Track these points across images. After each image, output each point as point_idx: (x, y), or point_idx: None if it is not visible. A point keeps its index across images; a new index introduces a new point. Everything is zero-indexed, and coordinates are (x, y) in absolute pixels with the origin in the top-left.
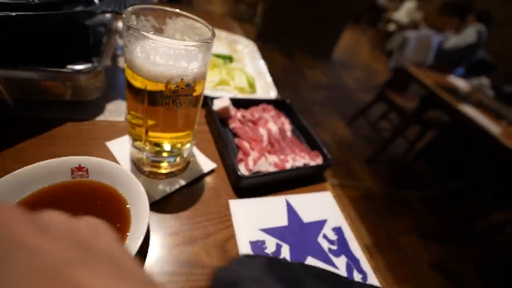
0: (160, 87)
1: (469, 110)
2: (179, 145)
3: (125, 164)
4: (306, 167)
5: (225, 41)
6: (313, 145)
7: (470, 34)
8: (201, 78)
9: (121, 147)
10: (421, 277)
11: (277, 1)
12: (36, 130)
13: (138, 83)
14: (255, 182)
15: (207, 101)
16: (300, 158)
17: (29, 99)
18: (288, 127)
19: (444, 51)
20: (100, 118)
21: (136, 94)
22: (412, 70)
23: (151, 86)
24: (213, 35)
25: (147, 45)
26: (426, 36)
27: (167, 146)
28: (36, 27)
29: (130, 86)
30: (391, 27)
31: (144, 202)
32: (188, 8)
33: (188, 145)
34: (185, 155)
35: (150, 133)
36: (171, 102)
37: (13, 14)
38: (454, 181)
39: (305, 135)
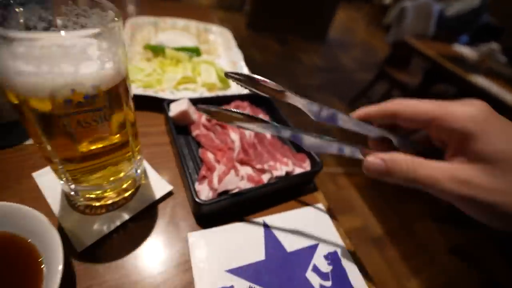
0: (46, 105)
1: (480, 80)
2: (113, 170)
3: (55, 200)
4: (288, 177)
5: (195, 31)
6: (298, 146)
7: None
8: (112, 82)
9: (51, 178)
10: (439, 265)
11: None
12: None
13: (16, 101)
14: (219, 208)
15: (164, 106)
16: (281, 166)
17: None
18: None
19: (446, 19)
20: (29, 142)
21: (24, 117)
22: (413, 42)
23: (35, 105)
24: (118, 17)
25: (4, 48)
26: (425, 4)
27: (96, 176)
28: None
29: (14, 107)
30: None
31: (57, 257)
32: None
33: (130, 168)
34: (128, 181)
35: (67, 166)
36: (72, 123)
37: None
38: None
39: None
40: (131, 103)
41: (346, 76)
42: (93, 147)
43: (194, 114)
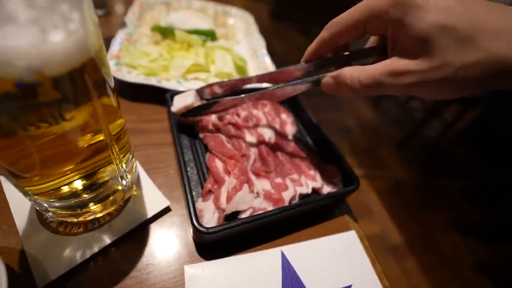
0: None
1: None
2: (87, 182)
3: (22, 212)
4: (316, 197)
5: (212, 13)
6: (329, 155)
7: None
8: (66, 64)
9: None
10: (463, 282)
11: None
12: None
13: None
14: (225, 236)
15: (167, 98)
16: (307, 180)
17: None
18: (290, 129)
19: None
20: None
21: None
22: None
23: None
24: None
25: None
26: None
27: (68, 187)
28: None
29: None
30: None
31: None
32: None
33: (112, 177)
34: (111, 193)
35: (23, 183)
36: (6, 125)
37: None
38: (503, 168)
39: (317, 140)
40: (111, 93)
41: None
42: (49, 156)
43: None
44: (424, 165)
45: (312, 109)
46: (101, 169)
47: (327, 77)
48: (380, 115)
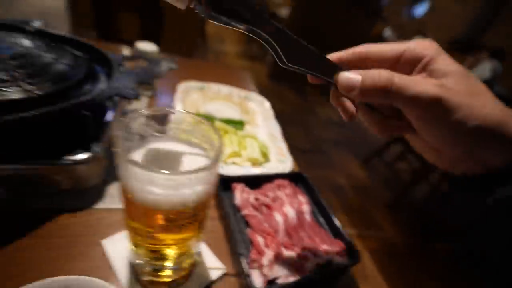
0: (158, 213)
1: None
2: (184, 249)
3: (122, 270)
4: (330, 268)
5: (237, 100)
6: (335, 231)
7: (484, 70)
8: (207, 197)
9: (119, 247)
10: None
11: None
12: (21, 227)
13: (134, 205)
14: None
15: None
16: (322, 253)
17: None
18: (306, 208)
19: None
20: (99, 206)
21: (133, 210)
22: None
23: (149, 213)
24: (219, 151)
25: (142, 175)
26: None
27: (170, 252)
28: (37, 123)
29: (127, 200)
30: None
31: None
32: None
33: (194, 247)
34: (190, 259)
35: (150, 241)
36: (172, 224)
37: (11, 118)
38: None
39: (327, 218)
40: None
41: (361, 133)
42: (179, 233)
43: (243, 192)
44: (416, 226)
45: (304, 166)
46: (191, 244)
47: (351, 72)
48: (370, 174)
